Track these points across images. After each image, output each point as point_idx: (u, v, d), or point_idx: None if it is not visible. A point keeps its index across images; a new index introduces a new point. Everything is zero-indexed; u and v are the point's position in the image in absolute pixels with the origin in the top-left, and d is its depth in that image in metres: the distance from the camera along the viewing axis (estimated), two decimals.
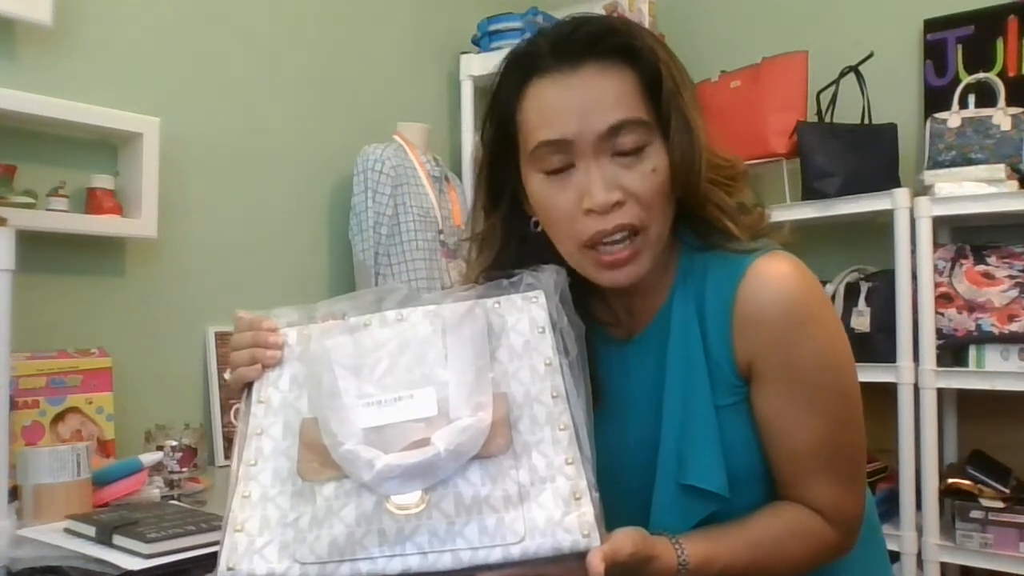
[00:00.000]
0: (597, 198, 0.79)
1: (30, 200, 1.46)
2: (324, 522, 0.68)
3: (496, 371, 0.74)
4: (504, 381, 0.74)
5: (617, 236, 0.81)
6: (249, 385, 0.79)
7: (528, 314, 0.78)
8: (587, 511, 0.67)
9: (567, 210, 0.82)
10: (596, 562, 0.64)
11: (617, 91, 0.81)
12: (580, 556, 0.66)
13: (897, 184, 1.99)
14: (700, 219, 0.86)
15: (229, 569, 0.68)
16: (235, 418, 0.83)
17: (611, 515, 0.70)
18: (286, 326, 0.81)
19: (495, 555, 0.66)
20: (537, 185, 0.85)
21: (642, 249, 0.82)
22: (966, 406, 2.09)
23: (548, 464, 0.70)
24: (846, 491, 0.85)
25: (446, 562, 0.66)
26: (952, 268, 1.92)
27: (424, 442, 0.69)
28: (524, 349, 0.76)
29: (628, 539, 0.69)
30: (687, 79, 0.86)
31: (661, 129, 0.83)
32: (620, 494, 0.79)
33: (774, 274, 0.82)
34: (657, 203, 0.82)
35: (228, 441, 1.73)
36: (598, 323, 0.94)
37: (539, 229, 0.88)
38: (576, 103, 0.81)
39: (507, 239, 0.91)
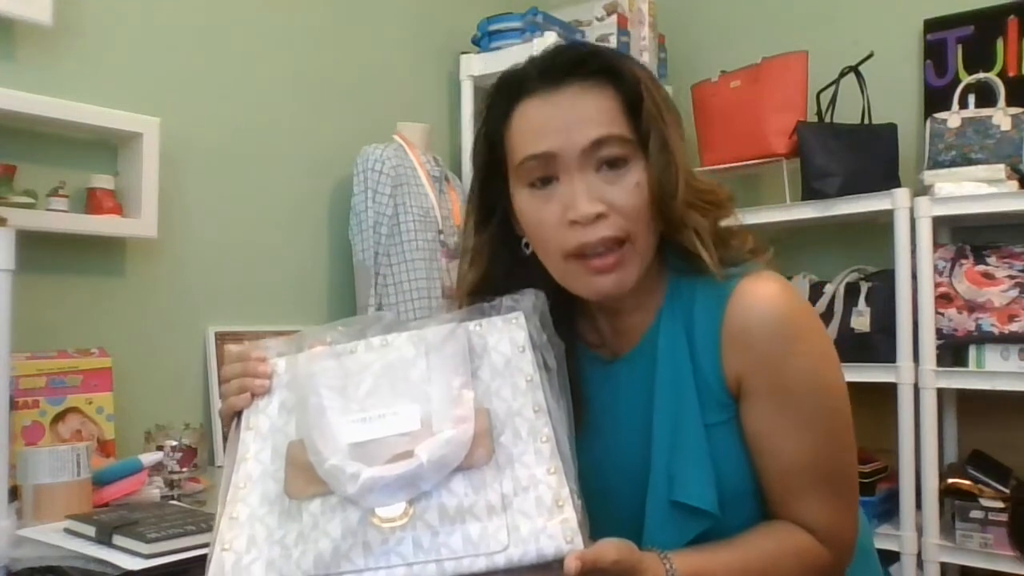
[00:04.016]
0: (580, 209, 0.81)
1: (30, 200, 1.46)
2: (310, 537, 0.69)
3: (478, 389, 0.76)
4: (486, 398, 0.75)
5: (601, 248, 0.82)
6: (239, 415, 0.81)
7: (508, 334, 0.79)
8: (570, 517, 0.68)
9: (552, 222, 0.83)
10: (572, 562, 0.64)
11: (600, 108, 0.84)
12: None
13: (897, 184, 2.00)
14: (679, 244, 0.86)
15: None
16: (224, 448, 0.84)
17: (603, 534, 0.70)
18: (275, 356, 0.83)
19: (479, 564, 0.67)
20: (523, 200, 0.87)
21: (628, 258, 0.83)
22: (966, 406, 2.09)
23: (530, 475, 0.71)
24: (837, 510, 0.85)
25: (431, 573, 0.67)
26: (952, 268, 1.92)
27: (407, 454, 0.70)
28: (505, 367, 0.77)
29: (612, 547, 0.69)
30: (671, 105, 0.88)
31: (643, 149, 0.84)
32: (612, 514, 0.80)
33: (762, 293, 0.84)
34: (641, 217, 0.83)
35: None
36: (584, 344, 0.95)
37: (530, 251, 0.90)
38: (560, 119, 0.83)
39: (496, 258, 0.93)
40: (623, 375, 0.91)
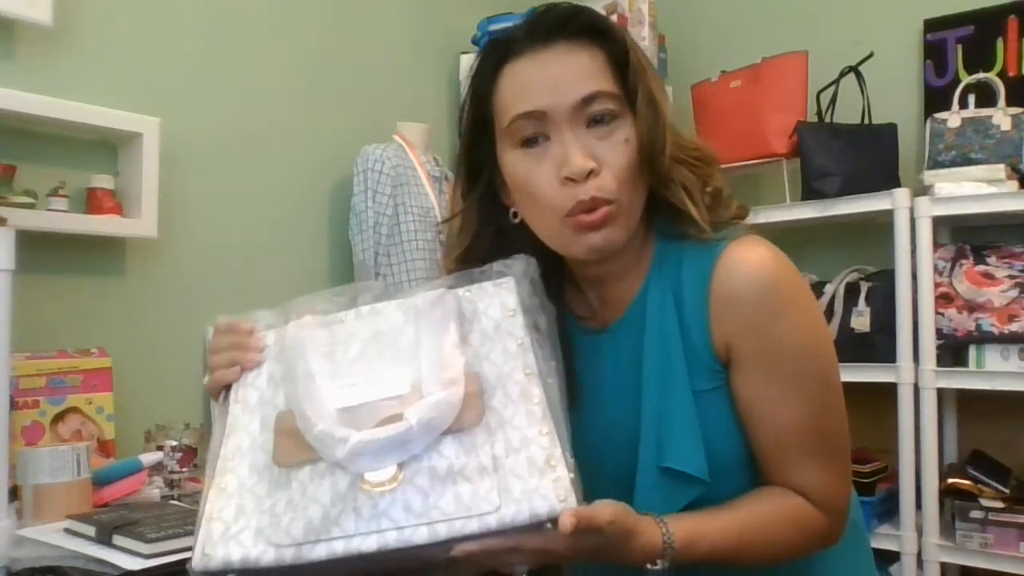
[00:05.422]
0: (575, 165, 0.81)
1: (30, 200, 1.46)
2: (299, 505, 0.68)
3: (468, 354, 0.75)
4: (477, 363, 0.75)
5: (592, 205, 0.82)
6: (227, 388, 0.80)
7: (499, 299, 0.79)
8: (562, 476, 0.67)
9: (545, 182, 0.83)
10: (567, 519, 0.64)
11: (588, 65, 0.84)
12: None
13: (897, 184, 2.00)
14: (668, 204, 0.87)
15: (204, 555, 0.68)
16: (213, 419, 0.83)
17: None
18: (264, 328, 0.82)
19: (472, 526, 0.66)
20: (513, 161, 0.86)
21: (617, 215, 0.83)
22: (966, 406, 2.09)
23: (522, 436, 0.70)
24: (831, 474, 0.85)
25: (423, 536, 0.66)
26: (952, 268, 1.91)
27: (397, 418, 0.69)
28: (495, 331, 0.77)
29: (608, 508, 0.69)
30: (651, 65, 0.89)
31: (630, 106, 0.85)
32: (602, 484, 0.80)
33: (749, 257, 0.83)
34: (629, 175, 0.83)
35: None
36: (573, 315, 0.95)
37: (517, 220, 0.90)
38: (549, 77, 0.83)
39: (483, 226, 0.92)
40: (611, 344, 0.91)
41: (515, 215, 0.90)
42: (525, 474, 0.68)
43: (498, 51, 0.88)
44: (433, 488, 0.67)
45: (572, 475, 0.68)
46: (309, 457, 0.70)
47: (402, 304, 0.79)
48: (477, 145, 0.91)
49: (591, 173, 0.81)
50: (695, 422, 0.83)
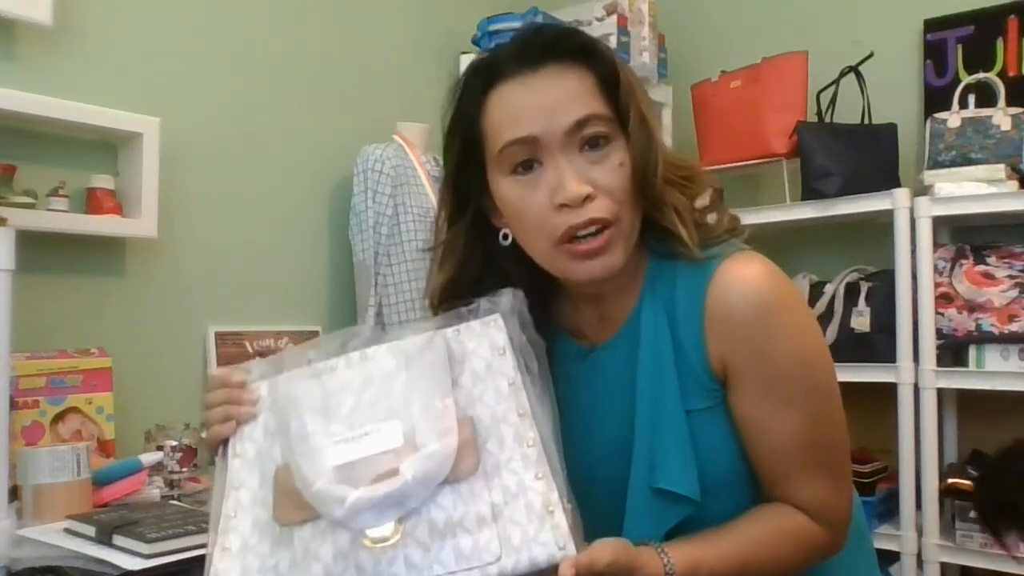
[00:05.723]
0: (570, 191, 0.80)
1: (30, 200, 1.46)
2: (302, 564, 0.69)
3: (460, 396, 0.75)
4: (469, 405, 0.75)
5: (592, 229, 0.81)
6: (225, 441, 0.81)
7: (488, 338, 0.78)
8: (560, 522, 0.68)
9: (539, 208, 0.82)
10: (567, 570, 0.64)
11: (579, 89, 0.83)
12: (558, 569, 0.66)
13: (897, 184, 2.00)
14: (660, 225, 0.86)
15: None
16: (212, 475, 0.84)
17: (586, 524, 0.70)
18: (257, 379, 0.82)
19: None
20: (506, 188, 0.85)
21: (615, 240, 0.82)
22: (966, 406, 2.09)
23: (519, 481, 0.70)
24: (831, 488, 0.85)
25: None
26: (952, 268, 1.92)
27: (393, 472, 0.69)
28: (486, 372, 0.77)
29: (607, 548, 0.69)
30: (640, 84, 0.88)
31: (622, 128, 0.84)
32: (594, 502, 0.80)
33: (743, 273, 0.83)
34: (626, 198, 0.82)
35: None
36: (567, 333, 0.94)
37: (508, 242, 0.88)
38: (541, 101, 0.82)
39: (470, 253, 0.91)
40: (605, 362, 0.91)
41: (505, 236, 0.89)
42: (524, 520, 0.68)
43: (485, 74, 0.86)
44: (433, 541, 0.68)
45: (570, 520, 0.68)
46: (309, 515, 0.71)
47: (392, 348, 0.79)
48: (464, 168, 0.89)
49: (587, 198, 0.80)
50: (687, 442, 0.83)
